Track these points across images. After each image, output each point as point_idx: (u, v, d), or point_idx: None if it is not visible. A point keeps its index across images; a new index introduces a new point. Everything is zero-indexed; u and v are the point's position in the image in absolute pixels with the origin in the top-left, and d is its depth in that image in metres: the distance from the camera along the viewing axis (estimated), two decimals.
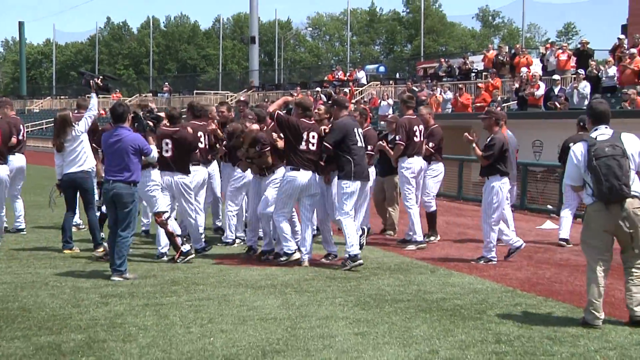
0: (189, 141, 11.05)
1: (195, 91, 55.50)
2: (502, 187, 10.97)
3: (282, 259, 10.63)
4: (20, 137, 13.32)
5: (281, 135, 10.74)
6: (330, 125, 10.65)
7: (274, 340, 6.83)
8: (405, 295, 8.74)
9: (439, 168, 13.02)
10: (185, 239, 11.04)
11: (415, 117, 12.46)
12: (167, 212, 10.74)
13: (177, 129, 11.06)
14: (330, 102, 13.59)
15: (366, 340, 6.89)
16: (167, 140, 10.87)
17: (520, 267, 10.73)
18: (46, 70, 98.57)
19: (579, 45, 28.04)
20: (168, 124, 11.12)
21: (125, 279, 9.37)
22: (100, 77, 11.33)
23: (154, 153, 10.10)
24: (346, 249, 10.36)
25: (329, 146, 10.43)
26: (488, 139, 11.15)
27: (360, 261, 10.28)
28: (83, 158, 11.18)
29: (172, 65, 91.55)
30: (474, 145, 11.22)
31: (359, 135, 10.66)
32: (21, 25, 69.13)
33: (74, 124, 11.18)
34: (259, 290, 8.93)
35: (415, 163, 12.15)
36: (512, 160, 12.71)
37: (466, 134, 11.33)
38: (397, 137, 12.16)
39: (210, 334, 7.01)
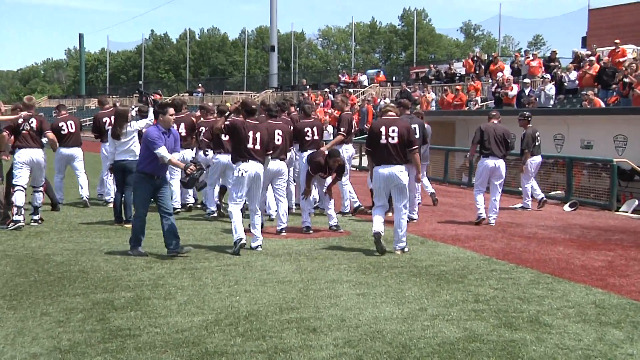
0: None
1: (224, 91, 55.35)
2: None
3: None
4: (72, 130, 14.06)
5: None
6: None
7: (289, 299, 6.82)
8: (399, 263, 8.70)
9: None
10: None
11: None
12: (20, 186, 10.90)
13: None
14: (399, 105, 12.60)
15: (366, 299, 6.87)
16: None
17: (496, 239, 10.68)
18: (101, 74, 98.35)
19: (548, 54, 27.84)
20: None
21: None
22: (154, 93, 12.70)
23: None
24: None
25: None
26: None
27: None
28: (133, 148, 11.18)
29: (205, 69, 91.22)
30: None
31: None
32: (81, 37, 68.98)
33: (130, 121, 11.29)
34: (277, 257, 8.92)
35: None
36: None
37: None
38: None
39: (237, 294, 7.01)
